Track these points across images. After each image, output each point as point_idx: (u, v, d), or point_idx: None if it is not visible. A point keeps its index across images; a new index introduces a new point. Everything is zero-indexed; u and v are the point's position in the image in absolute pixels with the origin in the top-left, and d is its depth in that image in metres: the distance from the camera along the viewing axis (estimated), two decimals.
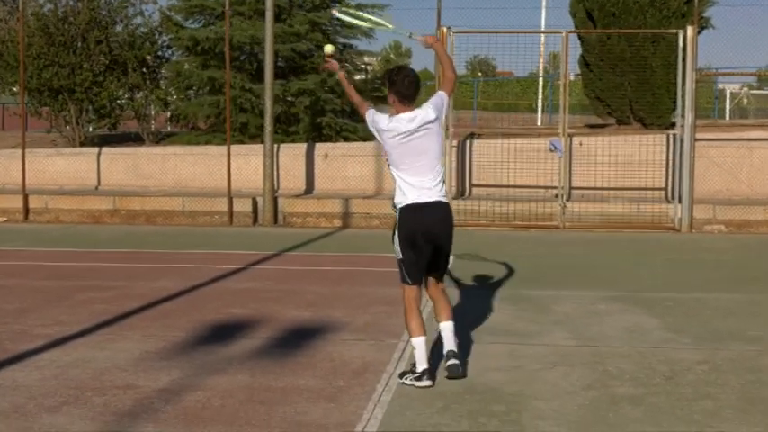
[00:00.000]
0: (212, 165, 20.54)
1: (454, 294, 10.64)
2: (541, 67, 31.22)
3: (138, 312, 10.01)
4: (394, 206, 7.42)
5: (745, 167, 19.94)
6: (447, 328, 7.46)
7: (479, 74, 48.10)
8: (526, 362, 7.97)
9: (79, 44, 23.41)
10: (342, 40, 24.83)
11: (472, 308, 10.25)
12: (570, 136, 19.07)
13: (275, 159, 19.27)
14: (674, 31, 18.47)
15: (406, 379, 7.22)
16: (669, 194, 19.18)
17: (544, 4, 33.49)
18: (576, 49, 22.39)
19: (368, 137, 22.58)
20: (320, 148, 21.29)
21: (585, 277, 12.55)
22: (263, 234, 17.28)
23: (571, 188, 19.22)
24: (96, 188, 21.46)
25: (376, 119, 7.57)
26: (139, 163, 21.81)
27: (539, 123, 29.87)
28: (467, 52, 47.77)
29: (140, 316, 9.87)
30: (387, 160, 7.54)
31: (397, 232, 7.39)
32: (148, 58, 24.75)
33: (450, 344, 7.40)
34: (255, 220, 18.76)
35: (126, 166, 21.75)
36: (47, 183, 21.09)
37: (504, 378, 7.47)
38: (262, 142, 19.18)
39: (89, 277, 12.35)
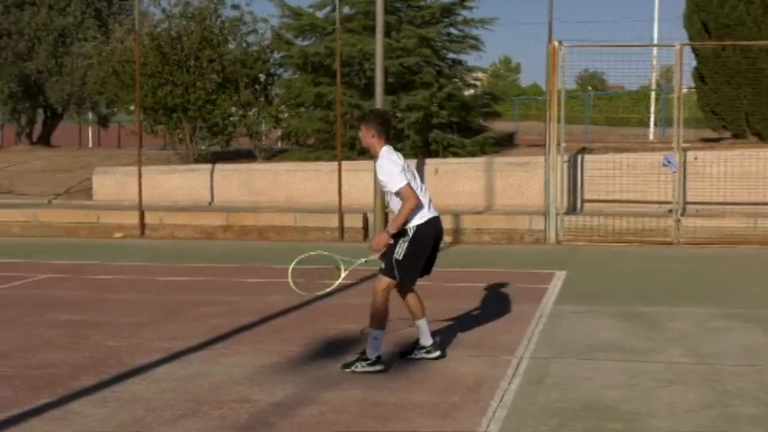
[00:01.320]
0: (323, 180, 20.75)
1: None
2: (654, 81, 30.79)
3: (251, 327, 10.15)
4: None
5: None
6: (425, 323, 8.62)
7: (590, 88, 47.65)
8: (642, 380, 7.86)
9: (192, 63, 23.86)
10: (451, 55, 24.82)
11: (586, 326, 10.16)
12: (684, 150, 18.77)
13: None
14: None
15: (358, 365, 8.12)
16: None
17: (657, 16, 33.17)
18: (690, 62, 22.11)
19: (476, 152, 22.64)
20: (430, 163, 21.34)
21: (701, 293, 12.35)
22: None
23: (686, 203, 18.94)
24: (210, 204, 21.84)
25: (394, 159, 8.25)
26: (252, 179, 22.12)
27: (651, 137, 29.48)
28: (578, 66, 47.43)
29: (254, 331, 10.00)
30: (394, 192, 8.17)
31: (413, 242, 8.16)
32: (260, 76, 25.08)
33: (429, 338, 8.61)
34: (366, 236, 18.84)
35: (239, 183, 22.09)
36: (162, 199, 21.55)
37: (620, 396, 7.38)
38: (370, 158, 19.24)
39: (203, 292, 12.57)
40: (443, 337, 9.38)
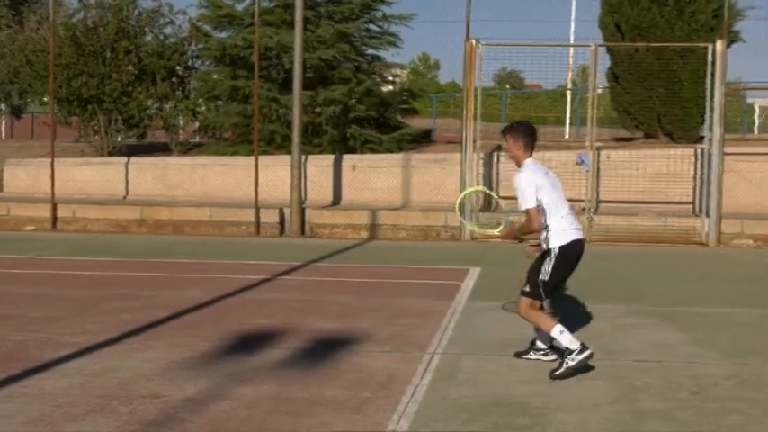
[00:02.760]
0: (240, 175, 20.62)
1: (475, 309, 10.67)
2: (569, 80, 31.14)
3: (164, 322, 10.07)
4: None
5: None
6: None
7: (507, 86, 48.04)
8: None
9: (108, 54, 23.54)
10: (370, 51, 24.83)
11: (499, 322, 10.25)
12: (598, 149, 19.03)
13: (303, 170, 19.31)
14: (703, 44, 18.43)
15: (569, 361, 7.84)
16: (697, 208, 19.11)
17: (573, 17, 33.55)
18: (604, 63, 22.42)
19: (393, 149, 22.70)
20: (348, 159, 21.33)
21: (612, 291, 12.50)
22: (290, 245, 17.32)
23: (598, 201, 19.19)
24: (124, 198, 21.59)
25: (530, 177, 8.35)
26: (167, 173, 21.93)
27: (566, 136, 29.81)
28: (495, 65, 47.84)
29: (167, 325, 9.92)
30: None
31: (558, 262, 8.27)
32: (177, 68, 24.83)
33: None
34: (282, 231, 18.81)
35: (154, 176, 21.87)
36: (75, 192, 21.26)
37: (529, 391, 7.47)
38: (288, 153, 19.21)
39: (116, 286, 12.43)
40: (358, 333, 9.42)
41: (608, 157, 19.89)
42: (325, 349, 8.76)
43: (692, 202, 19.53)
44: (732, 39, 22.06)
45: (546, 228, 8.19)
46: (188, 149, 25.27)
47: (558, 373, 7.84)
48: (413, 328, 9.81)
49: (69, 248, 16.69)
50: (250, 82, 20.72)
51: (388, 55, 26.27)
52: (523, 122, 8.86)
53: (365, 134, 23.08)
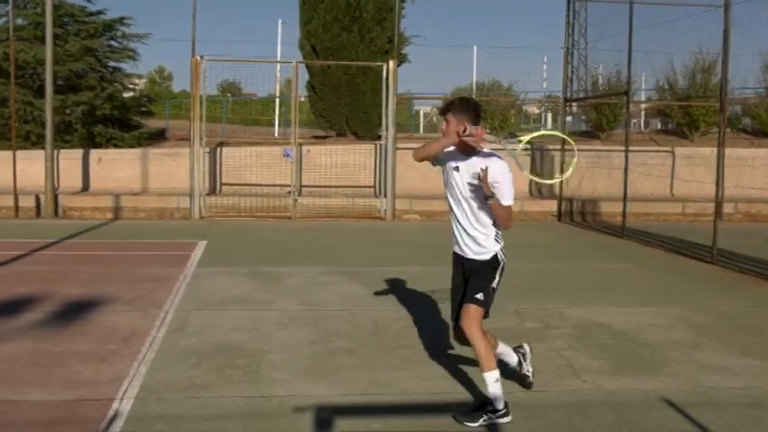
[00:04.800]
0: (0, 167, 19.38)
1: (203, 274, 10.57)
2: (278, 90, 31.18)
3: None
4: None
5: (434, 170, 20.61)
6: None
7: (228, 94, 47.55)
8: (264, 324, 8.00)
9: None
10: (112, 64, 23.97)
11: (221, 284, 10.19)
12: (300, 145, 19.24)
13: (55, 162, 18.40)
14: (380, 63, 18.94)
15: (490, 417, 5.40)
16: (377, 191, 19.68)
17: (280, 39, 33.83)
18: (304, 76, 22.66)
19: (134, 144, 22.04)
20: (94, 153, 20.53)
21: (312, 257, 12.68)
22: (46, 225, 16.47)
23: (301, 186, 19.41)
24: None
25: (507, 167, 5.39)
26: None
27: (276, 135, 29.89)
28: (218, 76, 47.55)
29: None
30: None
31: (502, 271, 5.62)
32: None
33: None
34: (39, 214, 17.88)
35: None
36: None
37: (246, 338, 7.47)
38: (43, 148, 18.28)
39: None
40: (104, 297, 9.10)
41: (308, 151, 20.14)
42: (76, 311, 8.40)
43: (373, 186, 20.10)
44: (401, 60, 22.81)
45: (495, 229, 5.54)
46: None
47: (468, 423, 5.38)
48: (151, 291, 9.59)
49: None
50: (9, 88, 19.47)
51: (128, 66, 25.39)
52: (467, 98, 5.62)
53: (110, 132, 22.32)
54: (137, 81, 26.67)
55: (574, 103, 22.16)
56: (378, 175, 19.83)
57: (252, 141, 22.22)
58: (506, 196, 5.31)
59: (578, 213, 18.79)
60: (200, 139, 17.88)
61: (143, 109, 25.04)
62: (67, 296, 9.17)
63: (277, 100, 31.96)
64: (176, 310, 8.55)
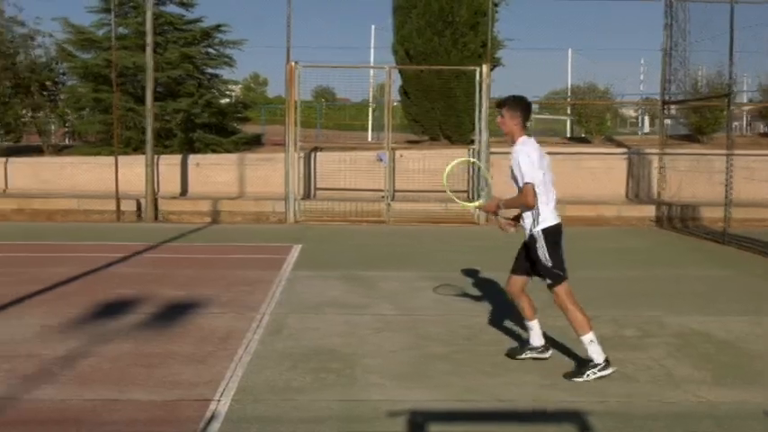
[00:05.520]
0: (102, 172, 19.99)
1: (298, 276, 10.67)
2: (371, 95, 31.36)
3: (40, 293, 9.65)
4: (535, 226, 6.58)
5: None
6: (537, 325, 6.96)
7: (322, 100, 48.04)
8: (358, 328, 8.02)
9: None
10: (210, 70, 24.48)
11: (316, 287, 10.27)
12: (393, 149, 19.28)
13: (155, 167, 18.88)
14: (473, 67, 18.85)
15: (589, 374, 6.32)
16: (470, 195, 19.57)
17: (373, 44, 33.96)
18: (397, 81, 22.74)
19: (231, 150, 22.48)
20: (193, 158, 21.00)
21: (406, 261, 12.68)
22: (146, 228, 16.90)
23: (395, 190, 19.44)
24: (4, 191, 20.62)
25: (529, 153, 6.54)
26: (41, 170, 21.07)
27: (369, 139, 30.06)
28: (312, 82, 48.39)
29: (42, 297, 9.52)
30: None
31: (548, 242, 6.54)
32: (48, 83, 23.89)
33: (540, 339, 6.97)
34: (139, 217, 18.36)
35: (29, 173, 21.00)
36: None
37: (340, 342, 7.51)
38: (144, 154, 18.77)
39: None
40: (202, 299, 9.28)
41: (401, 156, 20.18)
42: (174, 313, 8.59)
43: (467, 191, 20.00)
44: (495, 63, 22.69)
45: (534, 210, 6.54)
46: (58, 151, 24.36)
47: (575, 379, 6.35)
48: (247, 293, 9.73)
49: None
50: (111, 94, 20.09)
51: (224, 73, 26.07)
52: (521, 97, 6.78)
53: (208, 138, 22.84)
54: (233, 87, 27.20)
55: (672, 106, 21.67)
56: (471, 179, 19.72)
57: (345, 146, 22.39)
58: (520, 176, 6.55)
59: (677, 218, 18.36)
60: (295, 144, 18.09)
61: (239, 115, 25.50)
62: (166, 298, 9.37)
63: (370, 105, 32.15)
64: (272, 313, 8.65)
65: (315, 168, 20.34)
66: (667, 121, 22.72)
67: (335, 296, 9.70)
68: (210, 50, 24.39)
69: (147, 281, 10.54)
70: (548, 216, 6.53)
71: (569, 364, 6.71)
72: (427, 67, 21.59)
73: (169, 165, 20.50)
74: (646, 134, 32.29)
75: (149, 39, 18.09)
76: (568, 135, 31.87)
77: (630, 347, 7.36)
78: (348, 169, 19.72)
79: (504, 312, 8.73)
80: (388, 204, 18.15)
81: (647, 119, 38.31)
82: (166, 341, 7.43)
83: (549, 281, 6.50)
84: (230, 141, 23.13)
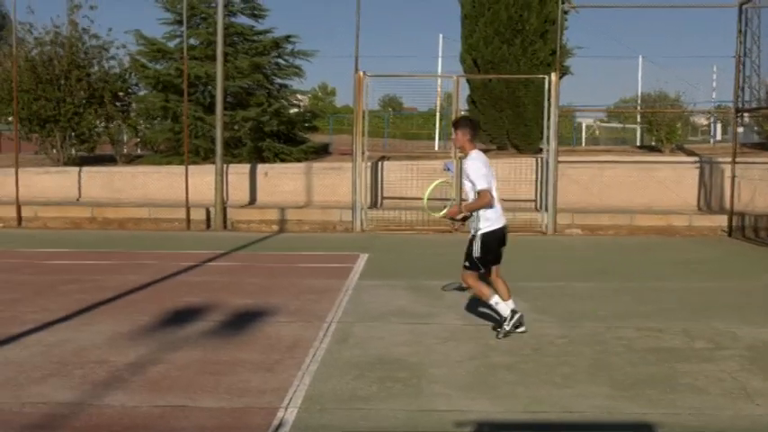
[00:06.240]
0: (173, 181, 20.31)
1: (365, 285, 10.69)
2: (438, 104, 31.35)
3: (110, 301, 9.86)
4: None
5: (597, 184, 20.28)
6: (510, 304, 8.26)
7: (390, 109, 48.23)
8: (424, 338, 8.02)
9: (63, 82, 22.92)
10: (279, 80, 24.72)
11: (382, 297, 10.29)
12: (460, 158, 19.17)
13: (225, 176, 19.13)
14: (542, 76, 18.75)
15: (504, 326, 8.02)
16: (538, 205, 19.44)
17: (440, 54, 33.95)
18: (465, 90, 22.67)
19: (299, 159, 22.66)
20: (261, 167, 21.21)
21: None
22: (215, 237, 17.13)
23: (461, 200, 19.33)
24: (77, 200, 21.08)
25: (483, 162, 7.97)
26: (113, 179, 21.48)
27: (436, 148, 30.03)
28: (380, 92, 48.58)
29: (113, 304, 9.72)
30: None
31: (483, 244, 8.12)
32: (120, 93, 24.36)
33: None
34: (208, 226, 18.60)
35: (102, 182, 21.41)
36: (36, 195, 20.68)
37: (407, 351, 7.51)
38: (213, 162, 19.03)
39: (71, 273, 12.12)
40: (270, 307, 9.36)
41: None
42: (242, 321, 8.69)
43: (534, 200, 19.87)
44: (564, 72, 22.51)
45: (483, 212, 7.96)
46: (130, 160, 24.82)
47: (500, 336, 7.95)
48: (314, 302, 9.79)
49: (32, 242, 16.21)
50: (181, 104, 20.42)
51: (294, 83, 26.37)
52: (468, 117, 8.39)
53: (276, 147, 23.05)
54: (301, 97, 27.42)
55: (746, 114, 21.23)
56: (539, 188, 19.58)
57: (412, 155, 22.39)
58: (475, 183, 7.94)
59: (750, 228, 17.97)
60: (363, 153, 18.17)
61: (307, 124, 25.67)
62: (234, 306, 9.48)
63: (437, 114, 32.13)
64: (339, 322, 8.69)
65: (382, 177, 20.39)
66: (740, 130, 22.27)
67: (402, 305, 9.71)
68: (280, 61, 24.62)
69: (216, 289, 10.67)
70: (492, 219, 7.99)
71: (633, 378, 6.61)
72: (495, 75, 21.50)
73: (238, 174, 20.75)
74: (717, 142, 31.68)
75: (220, 48, 18.37)
76: (638, 144, 31.44)
77: (702, 359, 7.22)
78: (415, 178, 19.71)
79: (572, 323, 8.65)
80: None
81: (719, 127, 37.59)
82: (234, 349, 7.51)
83: (467, 263, 8.03)
84: (298, 150, 23.32)
